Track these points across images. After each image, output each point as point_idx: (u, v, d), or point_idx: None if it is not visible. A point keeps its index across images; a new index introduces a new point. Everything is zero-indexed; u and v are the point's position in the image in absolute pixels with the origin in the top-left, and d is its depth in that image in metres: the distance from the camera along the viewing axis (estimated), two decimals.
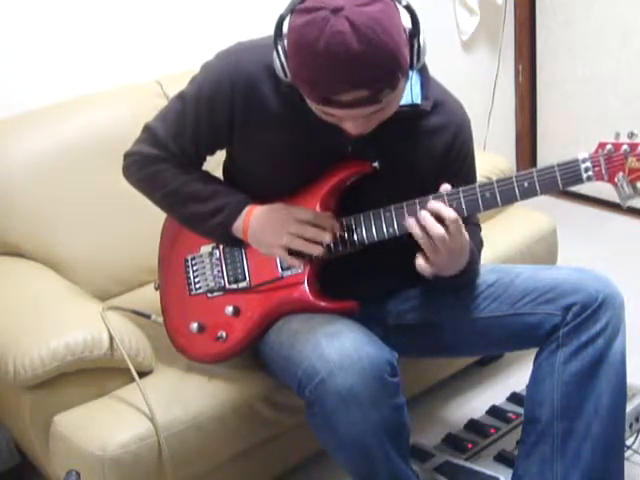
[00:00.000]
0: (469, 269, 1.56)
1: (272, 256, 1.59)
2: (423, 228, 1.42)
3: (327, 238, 1.51)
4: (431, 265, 1.45)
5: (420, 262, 1.46)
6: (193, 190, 1.61)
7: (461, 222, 1.43)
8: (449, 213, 1.41)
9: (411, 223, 1.44)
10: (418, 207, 1.47)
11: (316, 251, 1.52)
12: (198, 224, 1.63)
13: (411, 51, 1.34)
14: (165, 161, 1.61)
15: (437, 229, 1.41)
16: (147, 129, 1.65)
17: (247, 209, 1.58)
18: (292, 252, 1.54)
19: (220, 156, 1.69)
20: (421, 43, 1.35)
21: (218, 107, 1.53)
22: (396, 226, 1.51)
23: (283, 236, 1.52)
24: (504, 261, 2.10)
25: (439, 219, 1.41)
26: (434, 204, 1.43)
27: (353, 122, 1.38)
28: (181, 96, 1.60)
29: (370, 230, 1.53)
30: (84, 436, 1.57)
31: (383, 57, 1.27)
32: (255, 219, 1.57)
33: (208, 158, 1.68)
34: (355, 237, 1.54)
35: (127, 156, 1.68)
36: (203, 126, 1.57)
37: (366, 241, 1.54)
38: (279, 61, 1.38)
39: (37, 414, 1.64)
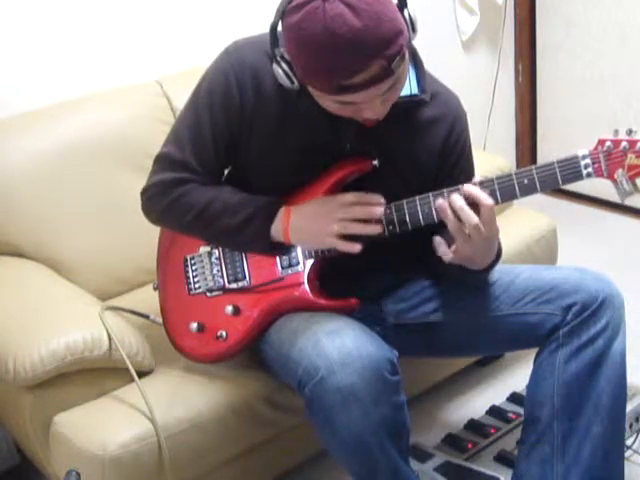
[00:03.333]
0: (496, 262, 1.55)
1: (322, 248, 1.56)
2: (455, 213, 1.42)
3: (379, 211, 1.49)
4: (456, 253, 1.45)
5: (443, 249, 1.45)
6: (222, 205, 1.55)
7: (495, 210, 1.42)
8: (485, 199, 1.41)
9: (442, 206, 1.43)
10: (445, 194, 1.46)
11: (375, 229, 1.49)
12: (234, 238, 1.58)
13: (404, 22, 1.35)
14: (187, 182, 1.57)
15: (471, 216, 1.40)
16: (160, 157, 1.61)
17: (283, 210, 1.55)
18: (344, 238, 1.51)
19: None
20: (411, 14, 1.37)
21: (232, 106, 1.52)
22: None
23: (332, 224, 1.50)
24: (504, 261, 2.07)
25: (473, 205, 1.41)
26: (469, 188, 1.42)
27: (371, 106, 1.37)
28: (191, 107, 1.57)
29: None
30: (84, 436, 1.57)
31: (384, 26, 1.28)
32: (297, 217, 1.53)
33: None
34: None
35: (145, 191, 1.63)
36: (220, 129, 1.54)
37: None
38: (281, 69, 1.39)
39: (37, 414, 1.64)
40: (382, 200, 1.51)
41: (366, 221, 1.49)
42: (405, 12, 1.36)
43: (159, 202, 1.61)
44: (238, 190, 1.60)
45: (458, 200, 1.42)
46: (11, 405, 1.77)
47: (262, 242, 1.57)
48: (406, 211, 1.51)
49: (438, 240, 1.47)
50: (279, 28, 1.36)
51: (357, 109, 1.39)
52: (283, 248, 1.58)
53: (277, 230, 1.55)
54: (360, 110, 1.39)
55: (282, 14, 1.33)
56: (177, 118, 1.63)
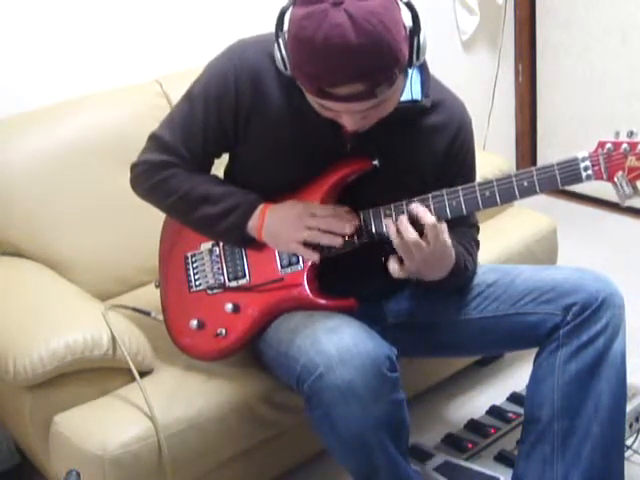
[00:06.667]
0: (453, 277, 1.55)
1: (288, 252, 1.58)
2: (399, 231, 1.43)
3: (347, 229, 1.51)
4: (404, 270, 1.47)
5: (393, 266, 1.47)
6: (204, 192, 1.59)
7: (442, 229, 1.43)
8: (428, 219, 1.42)
9: (388, 224, 1.45)
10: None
11: (337, 242, 1.52)
12: (211, 227, 1.61)
13: (410, 48, 1.35)
14: (174, 166, 1.60)
15: (411, 234, 1.42)
16: (153, 137, 1.64)
17: (261, 207, 1.58)
18: (308, 246, 1.54)
19: (223, 157, 1.69)
20: (421, 41, 1.36)
21: (226, 104, 1.54)
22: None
23: (301, 231, 1.52)
24: (504, 261, 2.10)
25: (418, 223, 1.42)
26: (414, 207, 1.44)
27: (350, 117, 1.38)
28: (187, 97, 1.60)
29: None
30: (84, 436, 1.57)
31: (380, 51, 1.27)
32: (270, 217, 1.56)
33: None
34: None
35: (134, 167, 1.67)
36: (212, 124, 1.56)
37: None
38: (280, 54, 1.39)
39: (37, 414, 1.64)
40: (354, 217, 1.53)
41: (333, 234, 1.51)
42: (415, 38, 1.35)
43: (144, 181, 1.65)
44: (223, 182, 1.64)
45: (402, 219, 1.43)
46: (11, 405, 1.77)
47: (237, 235, 1.60)
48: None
49: (390, 261, 1.48)
50: (287, 14, 1.36)
51: (337, 115, 1.40)
52: (259, 244, 1.60)
53: (252, 227, 1.58)
54: (340, 117, 1.40)
55: (293, 3, 1.33)
56: (176, 103, 1.65)
